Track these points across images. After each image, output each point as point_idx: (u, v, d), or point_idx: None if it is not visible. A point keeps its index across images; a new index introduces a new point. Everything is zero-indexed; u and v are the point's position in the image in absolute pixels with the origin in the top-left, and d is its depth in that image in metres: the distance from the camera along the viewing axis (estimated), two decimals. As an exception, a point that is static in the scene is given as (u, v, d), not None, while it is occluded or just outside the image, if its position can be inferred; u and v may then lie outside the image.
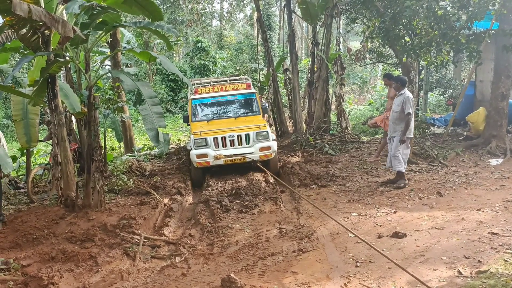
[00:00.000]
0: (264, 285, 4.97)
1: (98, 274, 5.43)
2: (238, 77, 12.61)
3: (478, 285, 4.56)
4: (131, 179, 9.34)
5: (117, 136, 12.49)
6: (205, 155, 9.63)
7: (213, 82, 12.22)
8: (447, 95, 17.50)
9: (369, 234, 6.31)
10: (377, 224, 6.69)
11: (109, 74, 10.38)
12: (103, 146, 11.92)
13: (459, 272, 4.93)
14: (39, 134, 9.21)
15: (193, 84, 11.78)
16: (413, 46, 8.09)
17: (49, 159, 9.26)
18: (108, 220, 7.11)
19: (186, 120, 11.04)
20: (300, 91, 14.92)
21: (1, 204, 7.26)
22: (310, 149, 11.88)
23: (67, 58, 7.45)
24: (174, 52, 35.73)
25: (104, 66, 19.00)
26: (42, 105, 8.13)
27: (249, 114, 11.08)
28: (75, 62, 7.40)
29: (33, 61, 9.14)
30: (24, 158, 10.28)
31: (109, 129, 13.88)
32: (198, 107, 11.20)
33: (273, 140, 10.10)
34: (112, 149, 15.31)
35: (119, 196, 8.74)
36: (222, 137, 9.80)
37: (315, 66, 13.63)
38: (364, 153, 11.19)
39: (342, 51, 13.85)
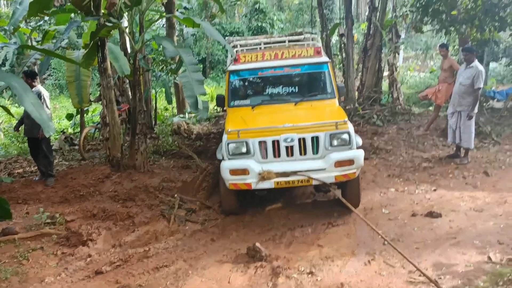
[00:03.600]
0: (288, 256, 5.07)
1: (134, 233, 5.74)
2: (301, 36, 8.01)
3: (506, 273, 4.41)
4: (176, 142, 9.62)
5: (167, 98, 12.79)
6: (244, 172, 5.77)
7: (265, 43, 7.88)
8: (514, 66, 16.45)
9: (403, 211, 6.22)
10: (413, 202, 6.56)
11: (156, 40, 10.43)
12: (154, 107, 12.35)
13: (489, 257, 4.79)
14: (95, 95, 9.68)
15: (234, 47, 7.56)
16: (452, 22, 7.62)
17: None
18: (150, 181, 7.45)
19: (220, 102, 7.17)
20: (353, 58, 14.51)
21: (52, 161, 7.74)
22: (358, 119, 11.64)
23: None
24: (236, 12, 35.52)
25: (163, 26, 19.35)
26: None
27: (317, 97, 7.01)
28: (122, 27, 7.59)
29: (88, 23, 9.49)
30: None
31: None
32: (239, 84, 7.34)
33: (358, 147, 6.00)
34: (166, 109, 15.70)
35: (163, 158, 9.06)
36: (273, 141, 5.83)
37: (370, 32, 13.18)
38: (413, 126, 10.85)
39: (398, 18, 13.22)
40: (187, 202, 6.75)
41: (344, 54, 14.96)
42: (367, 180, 7.55)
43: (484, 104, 11.53)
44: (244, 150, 5.90)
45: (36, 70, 14.19)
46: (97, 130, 9.98)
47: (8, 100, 15.63)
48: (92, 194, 7.08)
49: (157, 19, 10.77)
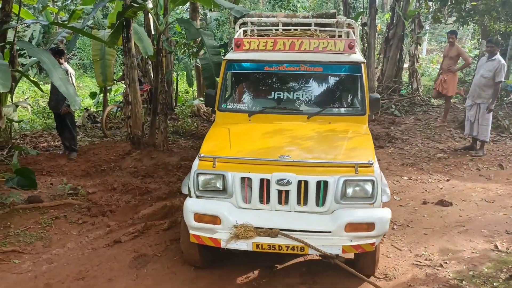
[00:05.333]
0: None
1: (151, 207, 5.95)
2: (333, 20, 6.18)
3: (510, 261, 4.54)
4: (195, 123, 9.82)
5: (188, 80, 12.98)
6: (214, 220, 3.97)
7: (284, 24, 6.15)
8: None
9: (414, 199, 6.34)
10: (425, 190, 6.67)
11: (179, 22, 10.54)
12: (175, 89, 12.58)
13: (496, 246, 4.92)
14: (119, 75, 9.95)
15: (243, 24, 6.10)
16: (470, 13, 7.57)
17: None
18: (169, 160, 7.67)
19: (210, 101, 5.22)
20: (375, 48, 14.49)
21: (76, 136, 8.02)
22: (376, 109, 11.67)
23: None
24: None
25: (186, 10, 19.49)
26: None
27: (340, 111, 5.21)
28: (148, 8, 7.76)
29: (113, 4, 9.70)
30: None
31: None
32: (236, 80, 5.64)
33: (384, 201, 4.09)
34: (187, 92, 15.90)
35: (182, 138, 9.28)
36: (262, 180, 3.99)
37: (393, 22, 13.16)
38: (431, 117, 10.85)
39: (422, 8, 13.13)
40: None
41: (365, 44, 14.96)
42: (381, 167, 7.55)
43: (505, 98, 11.44)
44: (219, 186, 4.08)
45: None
46: (119, 109, 10.24)
47: (34, 77, 16.03)
48: (113, 169, 7.36)
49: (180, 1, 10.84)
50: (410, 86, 12.77)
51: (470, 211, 5.86)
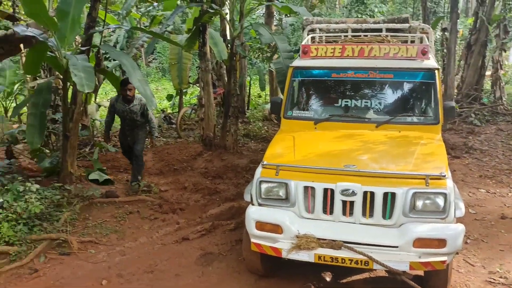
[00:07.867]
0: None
1: (219, 207, 6.09)
2: (406, 25, 5.86)
3: None
4: (265, 127, 9.94)
5: (260, 84, 13.19)
6: (276, 229, 3.90)
7: (353, 30, 5.83)
8: None
9: (491, 213, 6.00)
10: (504, 204, 6.29)
11: (253, 27, 10.72)
12: (248, 93, 12.80)
13: None
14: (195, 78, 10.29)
15: (312, 31, 5.84)
16: None
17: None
18: (239, 162, 7.84)
19: (275, 108, 5.16)
20: (455, 54, 13.88)
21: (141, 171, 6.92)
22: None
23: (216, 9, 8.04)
24: (337, 3, 35.11)
25: (262, 15, 19.80)
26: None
27: (412, 120, 4.86)
28: (223, 14, 7.97)
29: (192, 10, 10.07)
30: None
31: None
32: (303, 87, 5.43)
33: (457, 216, 3.79)
34: (259, 96, 16.13)
35: (252, 141, 9.43)
36: (325, 190, 3.85)
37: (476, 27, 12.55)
38: (516, 129, 10.25)
39: (508, 13, 12.43)
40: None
41: (445, 50, 14.37)
42: (457, 179, 7.31)
43: None
44: (282, 195, 3.99)
45: (142, 53, 15.27)
46: (193, 111, 10.60)
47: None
48: (184, 169, 7.64)
49: (257, 6, 11.01)
50: (493, 95, 12.11)
51: (553, 229, 5.46)
